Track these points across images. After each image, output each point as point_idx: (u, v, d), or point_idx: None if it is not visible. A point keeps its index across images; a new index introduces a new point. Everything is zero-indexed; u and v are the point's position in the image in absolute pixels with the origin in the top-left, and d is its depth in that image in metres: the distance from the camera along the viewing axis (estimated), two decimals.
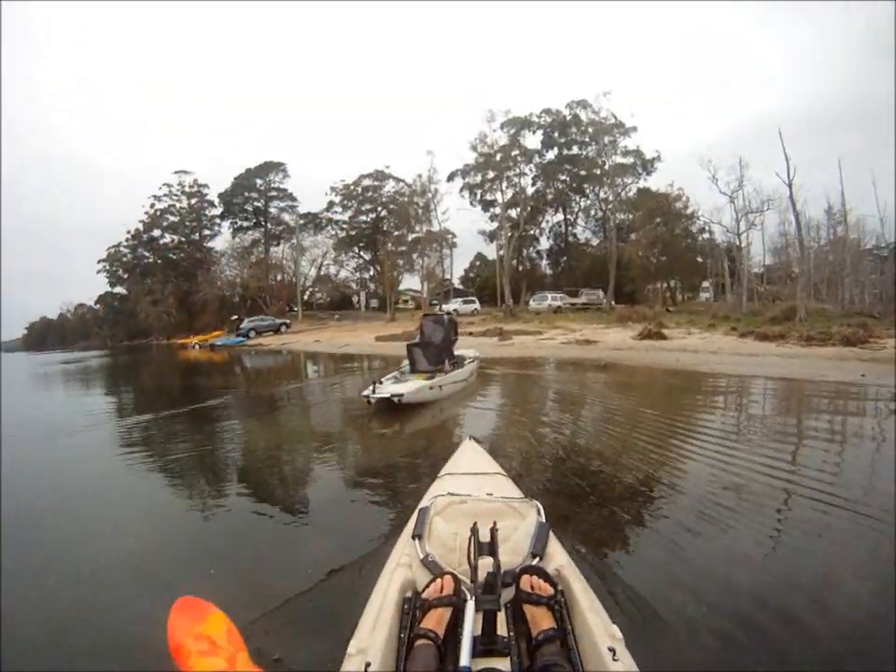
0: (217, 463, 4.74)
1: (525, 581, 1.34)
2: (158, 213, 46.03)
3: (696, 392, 7.45)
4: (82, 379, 15.98)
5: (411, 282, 41.96)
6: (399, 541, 1.73)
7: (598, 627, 1.18)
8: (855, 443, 4.46)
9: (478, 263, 48.31)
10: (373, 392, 6.18)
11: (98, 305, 55.27)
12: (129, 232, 46.05)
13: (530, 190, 36.72)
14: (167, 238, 46.84)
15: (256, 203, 46.51)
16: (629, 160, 33.30)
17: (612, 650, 1.09)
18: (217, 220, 47.59)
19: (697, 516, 2.90)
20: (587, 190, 37.61)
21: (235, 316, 36.06)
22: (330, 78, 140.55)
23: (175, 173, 46.20)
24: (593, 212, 39.25)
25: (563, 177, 37.46)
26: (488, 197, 36.95)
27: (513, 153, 33.88)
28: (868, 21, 58.78)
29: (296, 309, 41.35)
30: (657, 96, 73.48)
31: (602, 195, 36.05)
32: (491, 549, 1.39)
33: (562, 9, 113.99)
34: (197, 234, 47.25)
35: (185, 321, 43.16)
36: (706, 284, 36.80)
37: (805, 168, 23.89)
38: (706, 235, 32.71)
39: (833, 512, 2.87)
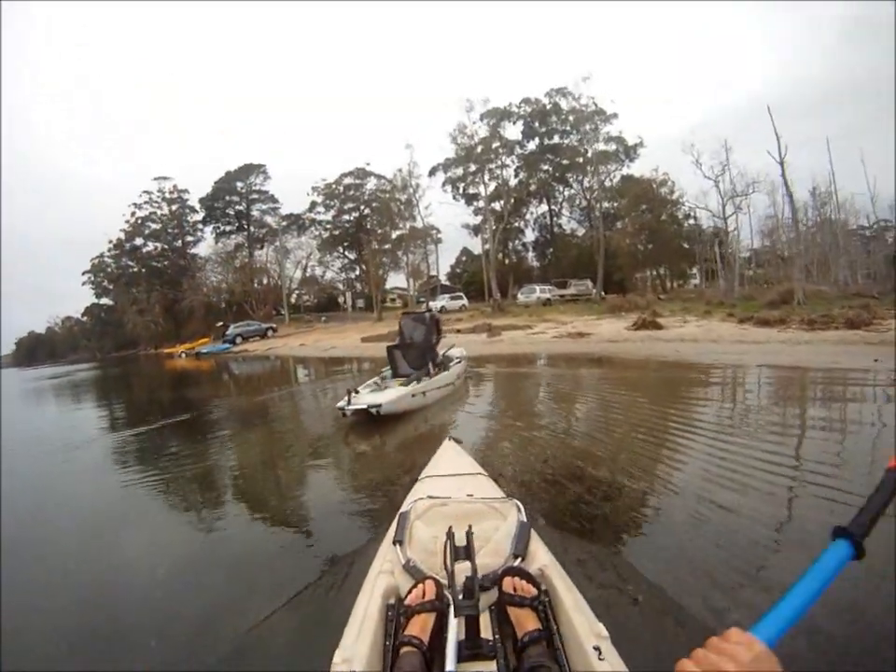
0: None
1: (508, 583, 1.31)
2: (139, 221, 45.63)
3: (705, 386, 6.88)
4: (63, 395, 15.85)
5: (397, 280, 41.58)
6: (381, 548, 1.69)
7: (583, 626, 1.16)
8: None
9: (464, 258, 47.86)
10: (348, 403, 5.59)
11: (85, 317, 55.52)
12: (110, 242, 45.88)
13: (513, 182, 36.29)
14: (150, 246, 46.56)
15: (237, 207, 46.10)
16: (612, 146, 32.93)
17: (598, 648, 1.08)
18: (200, 226, 47.29)
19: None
20: (570, 180, 37.38)
21: (221, 323, 35.50)
22: (305, 76, 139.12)
23: (155, 179, 45.76)
24: (577, 201, 39.09)
25: (545, 167, 37.10)
26: (471, 190, 36.54)
27: (494, 145, 33.36)
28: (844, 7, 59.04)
29: (283, 312, 40.72)
30: (638, 81, 73.01)
31: (586, 184, 35.78)
32: (467, 553, 1.39)
33: None
34: (180, 241, 46.89)
35: (172, 329, 43.05)
36: (693, 270, 36.75)
37: (789, 151, 23.62)
38: (691, 221, 32.63)
39: None
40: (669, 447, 4.03)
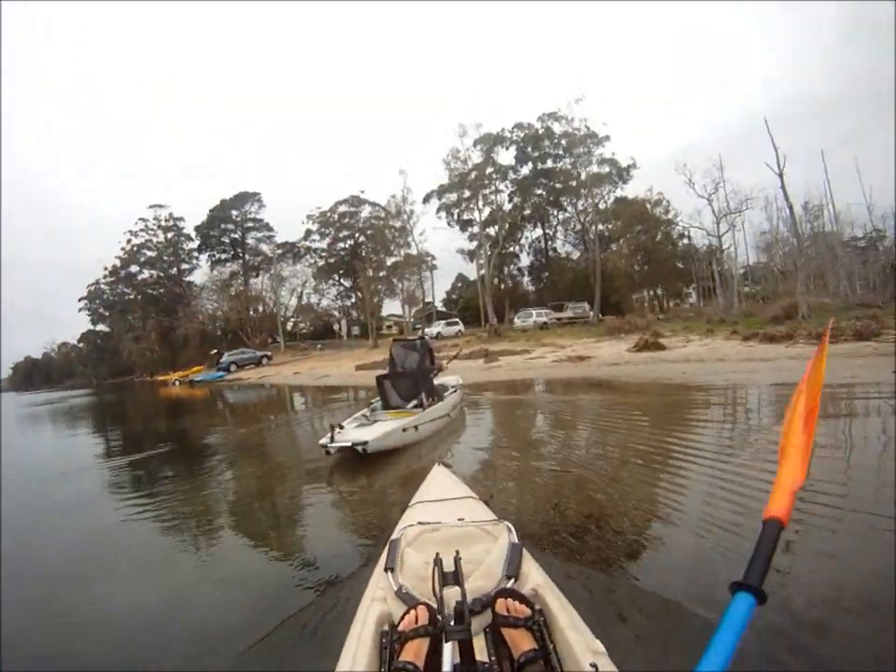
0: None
1: (501, 605, 1.30)
2: (135, 248, 45.83)
3: (721, 408, 6.43)
4: (55, 421, 16.21)
5: (393, 307, 41.29)
6: (374, 575, 1.66)
7: (579, 644, 1.16)
8: None
9: (459, 284, 47.69)
10: (331, 440, 5.08)
11: (81, 343, 55.64)
12: (106, 269, 45.88)
13: (507, 207, 36.45)
14: (146, 273, 46.63)
15: (233, 235, 46.25)
16: (605, 169, 33.10)
17: (595, 665, 1.07)
18: (195, 254, 47.43)
19: None
20: (564, 203, 37.46)
21: (215, 350, 34.95)
22: (300, 103, 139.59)
23: (150, 207, 46.01)
24: (571, 224, 39.12)
25: (539, 192, 37.23)
26: (465, 216, 36.51)
27: (488, 171, 33.57)
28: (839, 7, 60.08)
29: (278, 340, 40.29)
30: (629, 101, 74.28)
31: (580, 207, 35.90)
32: (456, 578, 1.38)
33: (528, 17, 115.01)
34: (175, 269, 46.94)
35: (168, 357, 42.85)
36: (689, 289, 36.66)
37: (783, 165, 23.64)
38: (685, 241, 32.65)
39: None
40: (704, 486, 3.54)
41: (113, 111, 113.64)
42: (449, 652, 1.12)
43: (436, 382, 7.09)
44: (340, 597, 2.41)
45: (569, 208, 37.73)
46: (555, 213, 38.94)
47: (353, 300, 44.71)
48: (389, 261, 35.98)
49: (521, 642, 1.20)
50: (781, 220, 26.53)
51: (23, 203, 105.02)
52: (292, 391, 17.13)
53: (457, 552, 1.48)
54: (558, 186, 35.66)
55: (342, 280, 44.04)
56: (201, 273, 46.61)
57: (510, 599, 1.31)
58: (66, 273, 78.42)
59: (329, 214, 42.19)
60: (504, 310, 34.36)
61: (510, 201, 37.10)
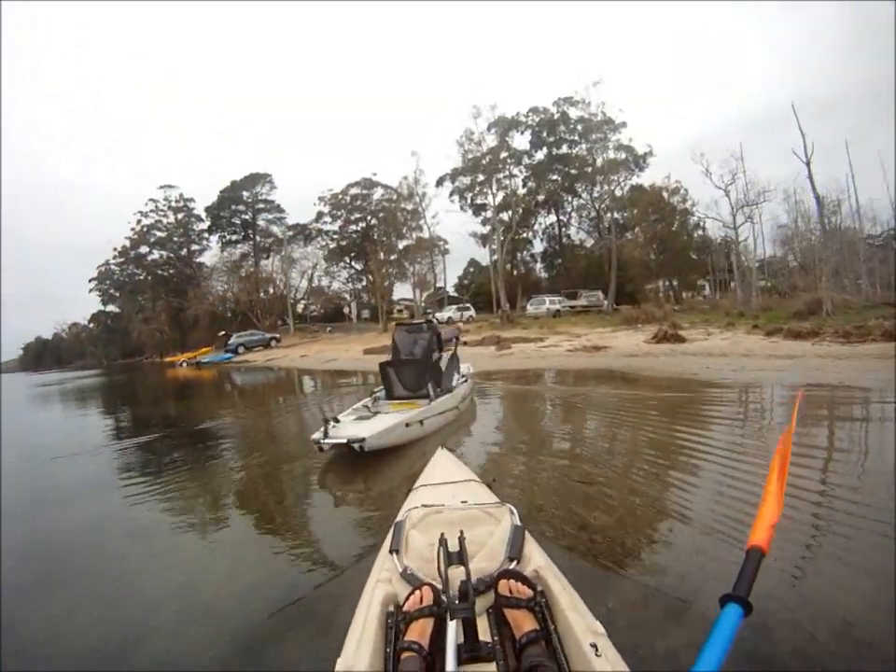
0: None
1: (504, 586, 1.32)
2: (144, 229, 45.56)
3: (759, 411, 5.97)
4: (61, 400, 16.32)
5: (404, 291, 40.98)
6: (378, 557, 1.66)
7: (580, 625, 1.17)
8: None
9: (472, 269, 47.21)
10: (325, 436, 4.50)
11: (92, 324, 55.78)
12: (115, 249, 45.69)
13: (521, 192, 35.77)
14: (155, 254, 46.43)
15: (243, 216, 46.03)
16: (621, 155, 32.32)
17: (595, 645, 1.09)
18: (205, 235, 47.23)
19: None
20: (579, 189, 36.79)
21: (223, 332, 34.87)
22: (311, 85, 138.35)
23: (161, 188, 45.64)
24: (586, 211, 38.42)
25: (554, 177, 36.55)
26: (479, 200, 36.00)
27: (502, 155, 32.88)
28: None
29: (288, 322, 40.16)
30: (648, 91, 72.27)
31: (595, 193, 35.19)
32: (460, 558, 1.39)
33: (545, 5, 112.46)
34: (185, 249, 46.76)
35: (178, 338, 42.84)
36: (701, 282, 36.01)
37: (795, 161, 22.68)
38: (700, 232, 31.95)
39: None
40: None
41: (113, 111, 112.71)
42: (453, 632, 1.13)
43: (448, 362, 6.64)
44: (345, 579, 2.43)
45: (584, 195, 37.14)
46: (570, 199, 38.30)
47: (364, 283, 44.38)
48: (401, 244, 35.60)
49: (523, 623, 1.22)
50: (800, 214, 25.80)
51: (28, 181, 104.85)
52: (301, 374, 16.92)
53: (462, 532, 1.51)
54: (573, 171, 34.97)
55: (353, 263, 43.80)
56: (211, 255, 46.56)
57: (512, 580, 1.33)
58: (75, 253, 78.54)
59: (340, 196, 41.82)
60: (516, 296, 33.89)
61: (524, 186, 36.44)
